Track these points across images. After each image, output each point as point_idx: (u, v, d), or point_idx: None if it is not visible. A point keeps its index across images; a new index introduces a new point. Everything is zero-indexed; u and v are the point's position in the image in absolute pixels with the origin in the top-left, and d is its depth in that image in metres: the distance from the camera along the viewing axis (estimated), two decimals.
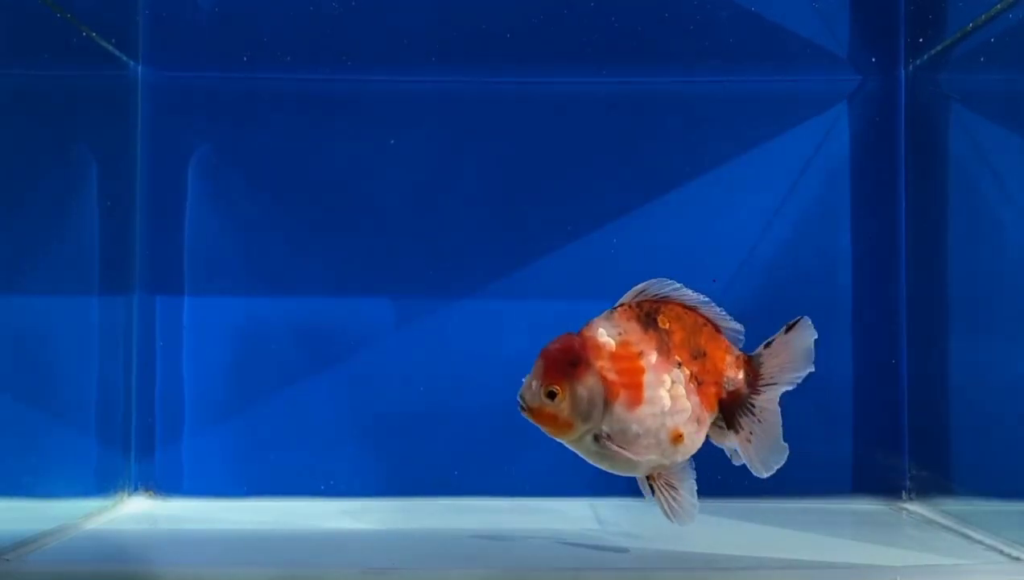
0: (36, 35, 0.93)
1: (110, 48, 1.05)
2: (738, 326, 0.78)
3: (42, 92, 0.95)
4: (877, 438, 1.09)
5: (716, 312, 0.78)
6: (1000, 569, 0.79)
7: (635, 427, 0.74)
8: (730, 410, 0.78)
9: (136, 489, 1.08)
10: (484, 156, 1.11)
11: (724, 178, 1.09)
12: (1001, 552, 0.84)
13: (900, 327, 1.09)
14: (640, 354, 0.75)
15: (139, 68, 1.09)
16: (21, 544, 0.84)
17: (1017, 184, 0.89)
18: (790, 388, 0.78)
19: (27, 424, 0.91)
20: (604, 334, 0.75)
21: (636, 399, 0.75)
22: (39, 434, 0.93)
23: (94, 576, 0.77)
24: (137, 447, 1.08)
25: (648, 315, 0.76)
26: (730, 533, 0.93)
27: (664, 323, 0.76)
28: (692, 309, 0.77)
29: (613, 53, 1.10)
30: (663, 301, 0.77)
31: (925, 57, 1.06)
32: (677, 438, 0.75)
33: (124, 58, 1.08)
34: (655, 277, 0.74)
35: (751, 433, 0.77)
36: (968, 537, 0.90)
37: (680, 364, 0.76)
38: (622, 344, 0.75)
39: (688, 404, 0.75)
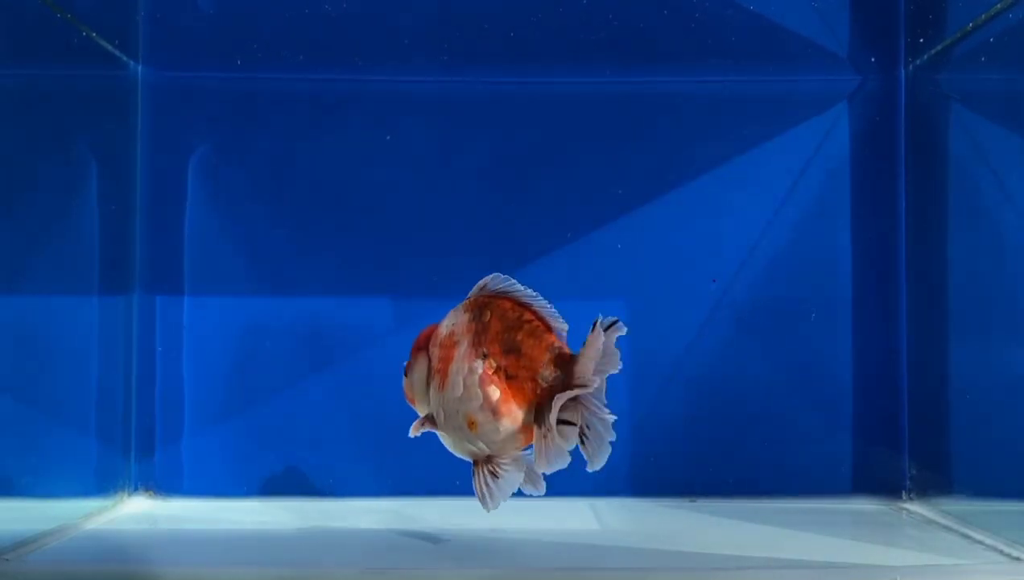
0: (37, 35, 0.93)
1: (110, 48, 1.05)
2: (562, 325, 0.76)
3: (43, 92, 0.95)
4: (877, 438, 1.09)
5: (543, 306, 0.77)
6: (1000, 569, 0.79)
7: (442, 410, 0.78)
8: (540, 405, 0.74)
9: (136, 489, 1.08)
10: (484, 156, 1.11)
11: (724, 178, 1.09)
12: (1001, 552, 0.84)
13: (900, 327, 1.09)
14: (456, 343, 0.78)
15: (139, 68, 1.09)
16: (21, 544, 0.84)
17: (1017, 184, 0.89)
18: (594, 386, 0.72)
19: (27, 424, 0.91)
20: (444, 323, 0.80)
21: (442, 384, 0.78)
22: (39, 434, 0.93)
23: (94, 576, 0.77)
24: (137, 447, 1.08)
25: (480, 308, 0.78)
26: (730, 533, 0.93)
27: (486, 316, 0.77)
28: (524, 306, 0.77)
29: (613, 53, 1.10)
30: (500, 296, 0.78)
31: (925, 57, 1.06)
32: (471, 425, 0.76)
33: (124, 58, 1.08)
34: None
35: (548, 429, 0.73)
36: (968, 537, 0.90)
37: (486, 356, 0.76)
38: (449, 333, 0.79)
39: (479, 393, 0.75)
